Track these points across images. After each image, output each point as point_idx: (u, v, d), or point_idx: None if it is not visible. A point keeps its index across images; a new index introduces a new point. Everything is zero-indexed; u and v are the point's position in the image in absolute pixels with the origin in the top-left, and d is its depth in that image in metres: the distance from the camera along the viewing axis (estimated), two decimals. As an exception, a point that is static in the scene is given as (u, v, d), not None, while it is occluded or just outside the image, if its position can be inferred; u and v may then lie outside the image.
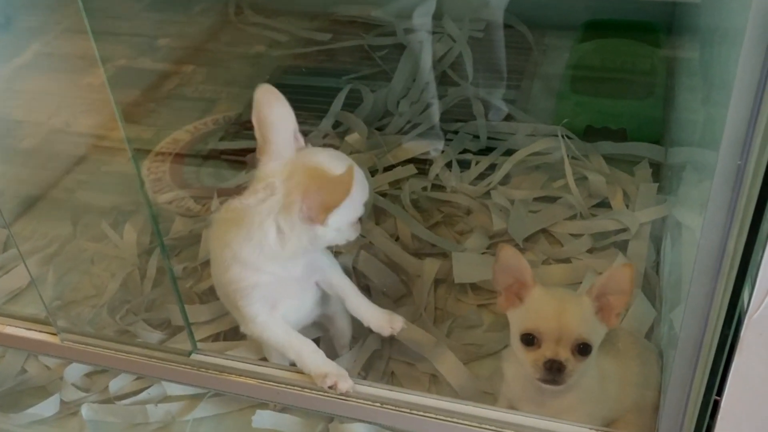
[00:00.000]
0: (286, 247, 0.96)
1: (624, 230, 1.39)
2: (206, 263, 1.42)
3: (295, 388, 1.01)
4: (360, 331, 1.20)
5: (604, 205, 1.47)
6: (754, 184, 0.67)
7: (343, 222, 0.97)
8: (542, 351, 0.91)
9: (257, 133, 0.98)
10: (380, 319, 1.05)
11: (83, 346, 1.09)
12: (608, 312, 0.94)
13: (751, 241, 0.70)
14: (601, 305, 0.94)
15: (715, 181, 0.69)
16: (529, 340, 0.92)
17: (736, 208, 0.69)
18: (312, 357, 1.00)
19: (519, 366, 0.96)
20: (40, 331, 1.14)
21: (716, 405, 0.80)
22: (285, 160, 0.97)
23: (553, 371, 0.90)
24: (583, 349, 0.91)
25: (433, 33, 1.87)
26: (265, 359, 1.15)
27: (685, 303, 0.77)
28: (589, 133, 1.60)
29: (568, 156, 1.50)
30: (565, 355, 0.90)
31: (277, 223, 0.95)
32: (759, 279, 0.70)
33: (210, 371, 1.03)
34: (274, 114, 0.97)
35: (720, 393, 0.79)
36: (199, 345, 1.16)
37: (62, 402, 1.24)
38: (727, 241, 0.71)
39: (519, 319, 0.95)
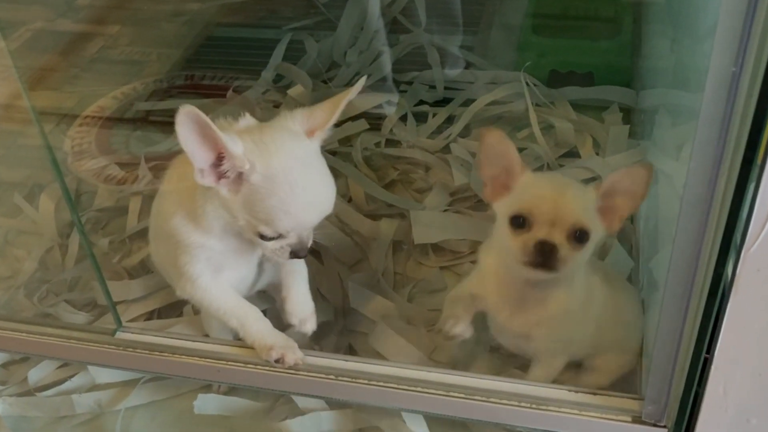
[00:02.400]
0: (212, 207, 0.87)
1: (594, 179, 1.34)
2: (135, 235, 1.34)
3: (238, 364, 0.93)
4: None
5: (572, 154, 1.42)
6: (750, 96, 0.61)
7: (245, 212, 0.83)
8: (533, 233, 0.83)
9: None
10: (299, 312, 0.97)
11: (-13, 329, 0.99)
12: (611, 214, 0.86)
13: (746, 165, 0.64)
14: (605, 205, 0.86)
15: (705, 97, 0.63)
16: (519, 222, 0.84)
17: (730, 126, 0.63)
18: (257, 326, 0.92)
19: (501, 258, 0.89)
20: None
21: (706, 364, 0.75)
22: None
23: (545, 253, 0.82)
24: (579, 237, 0.83)
25: (381, -25, 1.80)
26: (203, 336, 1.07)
27: (672, 244, 0.71)
28: (554, 79, 1.55)
29: (532, 103, 1.45)
30: (559, 239, 0.83)
31: None
32: (758, 205, 0.64)
33: (139, 351, 0.95)
34: None
35: (710, 350, 0.74)
36: (131, 325, 1.07)
37: (-26, 397, 1.14)
38: (720, 167, 0.65)
39: (508, 205, 0.87)
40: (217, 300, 0.93)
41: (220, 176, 0.82)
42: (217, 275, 0.93)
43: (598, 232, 0.86)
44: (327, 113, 0.86)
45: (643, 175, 0.84)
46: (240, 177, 0.82)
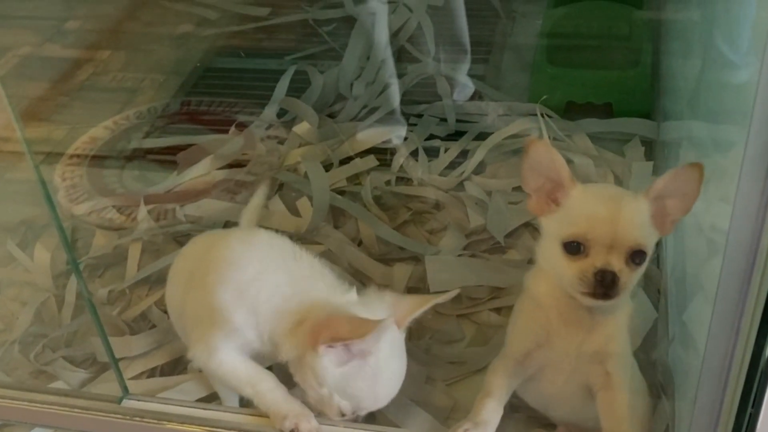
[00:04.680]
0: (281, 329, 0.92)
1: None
2: (134, 285, 1.33)
3: (251, 434, 0.93)
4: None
5: (593, 191, 1.43)
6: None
7: (334, 385, 0.89)
8: (591, 261, 0.84)
9: None
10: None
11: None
12: (663, 218, 0.87)
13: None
14: (656, 209, 0.86)
15: (746, 160, 0.63)
16: (574, 248, 0.85)
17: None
18: (272, 395, 0.93)
19: (550, 284, 0.90)
20: None
21: (752, 419, 0.76)
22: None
23: (606, 283, 0.83)
24: (638, 258, 0.84)
25: (388, 2, 1.80)
26: (210, 400, 1.07)
27: (712, 312, 0.71)
28: (571, 110, 1.56)
29: (549, 137, 1.46)
30: (618, 265, 0.83)
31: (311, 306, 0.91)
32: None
33: (146, 420, 0.95)
34: None
35: (756, 405, 0.74)
36: (132, 385, 1.07)
37: (-34, 465, 1.14)
38: (762, 230, 0.65)
39: (559, 225, 0.87)
40: (232, 371, 0.94)
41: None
42: (236, 349, 0.95)
43: (653, 243, 0.87)
44: (412, 307, 0.93)
45: (694, 176, 0.84)
46: (354, 353, 0.87)
